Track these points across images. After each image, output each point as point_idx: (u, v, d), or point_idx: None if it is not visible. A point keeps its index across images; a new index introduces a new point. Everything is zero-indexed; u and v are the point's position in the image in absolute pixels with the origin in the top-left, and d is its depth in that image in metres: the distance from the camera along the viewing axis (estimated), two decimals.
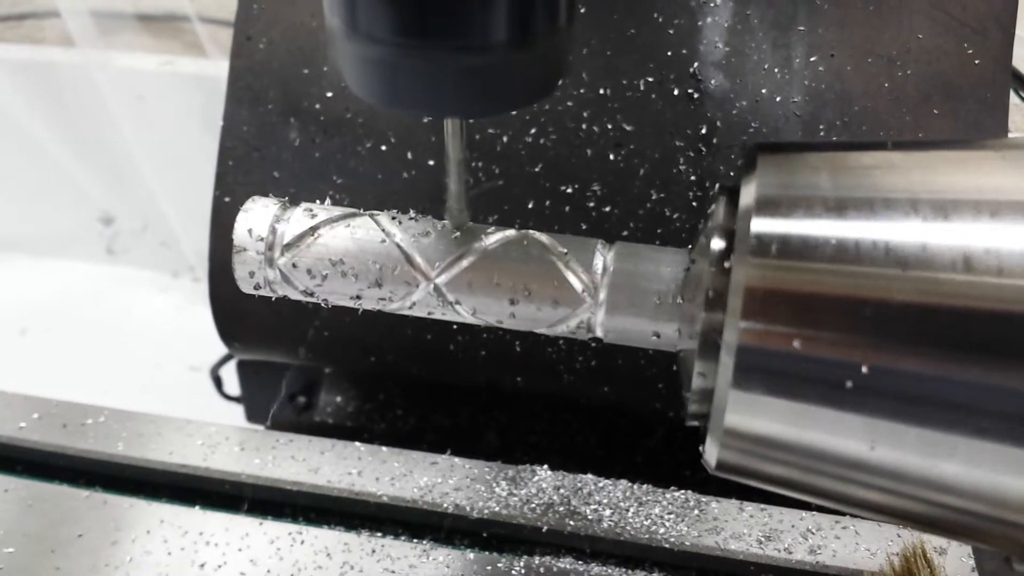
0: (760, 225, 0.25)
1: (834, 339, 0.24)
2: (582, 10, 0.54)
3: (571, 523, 0.48)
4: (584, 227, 0.54)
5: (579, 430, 0.66)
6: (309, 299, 0.36)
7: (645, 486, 0.50)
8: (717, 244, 0.28)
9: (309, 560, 0.47)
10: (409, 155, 0.55)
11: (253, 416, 0.78)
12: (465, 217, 0.34)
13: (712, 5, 0.53)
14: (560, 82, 0.30)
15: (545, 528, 0.48)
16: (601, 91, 0.54)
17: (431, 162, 0.55)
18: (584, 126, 0.54)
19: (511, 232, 0.35)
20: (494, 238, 0.34)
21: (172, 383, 1.05)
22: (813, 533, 0.47)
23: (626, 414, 0.64)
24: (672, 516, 0.48)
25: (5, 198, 1.20)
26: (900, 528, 0.47)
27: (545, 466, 0.51)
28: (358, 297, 0.35)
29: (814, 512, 0.48)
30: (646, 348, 0.34)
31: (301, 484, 0.50)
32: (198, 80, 1.05)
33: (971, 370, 0.23)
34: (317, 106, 0.56)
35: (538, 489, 0.50)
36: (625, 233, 0.54)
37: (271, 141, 0.57)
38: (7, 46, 1.13)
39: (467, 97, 0.27)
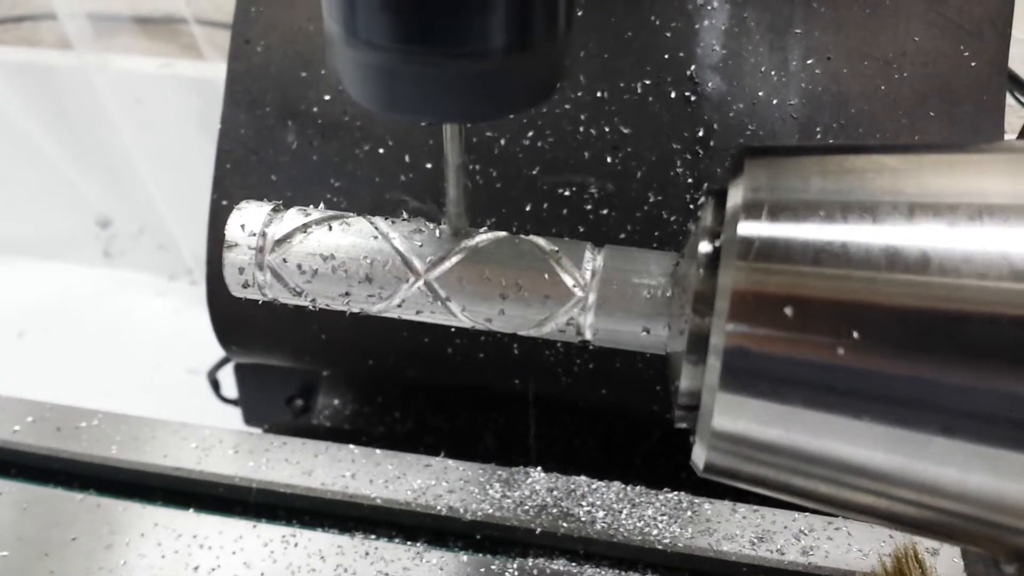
0: (747, 228, 0.26)
1: (820, 342, 0.24)
2: (579, 13, 0.54)
3: (564, 525, 0.48)
4: (582, 229, 0.54)
5: (577, 433, 0.66)
6: (297, 299, 0.36)
7: (638, 488, 0.50)
8: (704, 247, 0.28)
9: (303, 562, 0.47)
10: (407, 158, 0.55)
11: (251, 419, 0.78)
12: (464, 221, 0.34)
13: (709, 8, 0.53)
14: (559, 86, 0.30)
15: (539, 530, 0.48)
16: (598, 94, 0.54)
17: (428, 165, 0.55)
18: (581, 129, 0.54)
19: (502, 233, 0.35)
20: (485, 237, 0.35)
21: (170, 386, 1.05)
22: (806, 534, 0.48)
23: (624, 417, 0.64)
24: (665, 517, 0.49)
25: (3, 201, 1.20)
26: (892, 529, 0.47)
27: (539, 468, 0.51)
28: (347, 294, 0.35)
29: (807, 513, 0.49)
30: (640, 351, 0.34)
31: (295, 487, 0.50)
32: (195, 83, 1.05)
33: (957, 373, 0.23)
34: (315, 109, 0.57)
35: (531, 491, 0.50)
36: (623, 236, 0.54)
37: (269, 144, 0.57)
38: (4, 49, 1.13)
39: (466, 102, 0.27)
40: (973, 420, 0.24)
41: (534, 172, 0.54)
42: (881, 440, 0.25)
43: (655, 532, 0.48)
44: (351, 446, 0.52)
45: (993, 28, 0.53)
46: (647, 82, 0.54)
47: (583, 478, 0.51)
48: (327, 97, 0.56)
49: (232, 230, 0.35)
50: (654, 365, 0.56)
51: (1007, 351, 0.23)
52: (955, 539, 0.28)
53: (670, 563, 0.48)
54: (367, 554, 0.48)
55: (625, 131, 0.54)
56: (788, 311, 0.24)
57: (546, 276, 0.33)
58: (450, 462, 0.52)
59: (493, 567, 0.47)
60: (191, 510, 0.50)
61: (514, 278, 0.33)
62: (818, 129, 0.53)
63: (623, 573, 0.48)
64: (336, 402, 0.68)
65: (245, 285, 0.36)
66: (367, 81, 0.28)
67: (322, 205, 0.37)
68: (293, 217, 0.36)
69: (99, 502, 0.50)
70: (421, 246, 0.34)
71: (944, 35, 0.53)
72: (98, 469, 0.52)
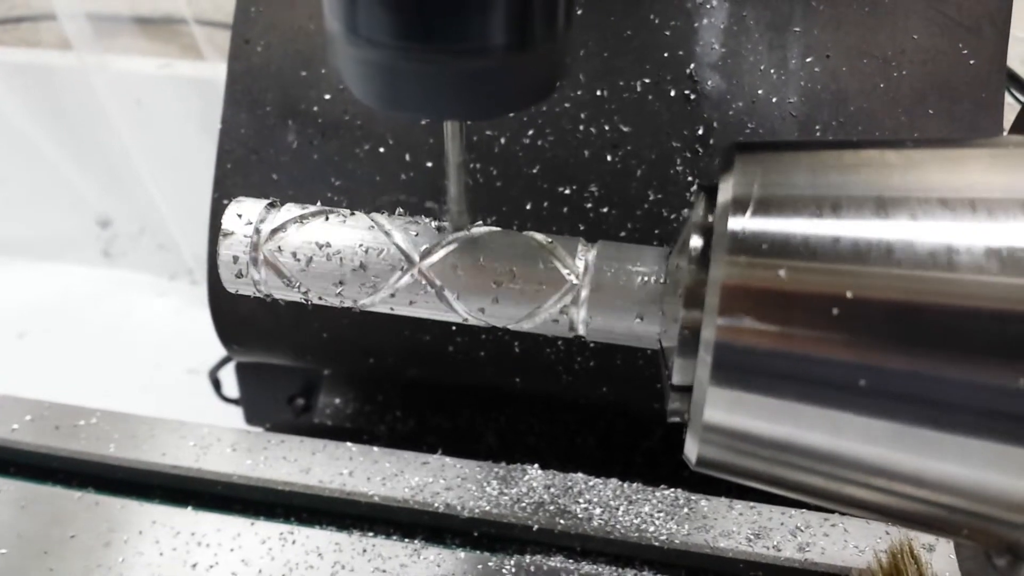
0: (737, 223, 0.26)
1: (811, 336, 0.25)
2: (579, 12, 0.54)
3: (561, 522, 0.48)
4: (582, 228, 0.54)
5: (578, 431, 0.66)
6: (290, 292, 0.36)
7: (635, 484, 0.50)
8: (695, 242, 0.28)
9: (300, 560, 0.47)
10: (407, 157, 0.55)
11: (252, 418, 0.78)
12: (465, 219, 0.35)
13: (708, 7, 0.54)
14: (559, 84, 0.30)
15: (536, 527, 0.48)
16: (598, 92, 0.54)
17: (429, 164, 0.55)
18: (581, 127, 0.54)
19: (496, 228, 0.35)
20: (481, 230, 0.35)
21: (171, 385, 1.05)
22: (802, 531, 0.48)
23: (625, 414, 0.64)
24: (662, 514, 0.49)
25: (3, 201, 1.20)
26: (884, 523, 0.47)
27: (536, 465, 0.52)
28: (340, 283, 0.35)
29: (803, 510, 0.49)
30: (636, 347, 0.35)
31: (293, 484, 0.50)
32: (195, 83, 1.05)
33: (947, 366, 0.24)
34: (315, 108, 0.57)
35: (529, 488, 0.50)
36: (623, 234, 0.54)
37: (269, 144, 0.57)
38: (3, 49, 1.13)
39: (467, 100, 0.27)
40: (962, 413, 0.24)
41: (534, 171, 0.54)
42: (871, 433, 0.25)
43: (652, 529, 0.48)
44: (348, 444, 0.52)
45: (992, 26, 0.53)
46: (647, 80, 0.54)
47: (580, 475, 0.51)
48: (327, 96, 0.56)
49: (229, 220, 0.35)
50: (655, 363, 0.56)
51: (997, 345, 0.23)
52: (946, 532, 0.28)
53: (667, 559, 0.48)
54: (365, 551, 0.48)
55: (625, 129, 0.54)
56: (778, 305, 0.25)
57: (540, 265, 0.33)
58: (447, 459, 0.52)
59: (490, 564, 0.48)
60: (189, 508, 0.50)
61: (508, 266, 0.34)
62: (817, 127, 0.53)
63: (620, 570, 0.48)
64: (337, 401, 0.68)
65: (239, 275, 0.36)
66: (368, 79, 0.28)
67: (319, 204, 0.37)
68: (290, 209, 0.36)
69: (98, 500, 0.51)
70: (417, 236, 0.35)
71: (943, 33, 0.53)
72: (97, 467, 0.52)
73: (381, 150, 0.56)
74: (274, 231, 0.35)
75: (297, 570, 0.47)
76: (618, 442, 0.65)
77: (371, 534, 0.49)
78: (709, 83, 0.53)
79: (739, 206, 0.26)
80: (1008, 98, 0.55)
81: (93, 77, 1.04)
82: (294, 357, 0.64)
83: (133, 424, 0.53)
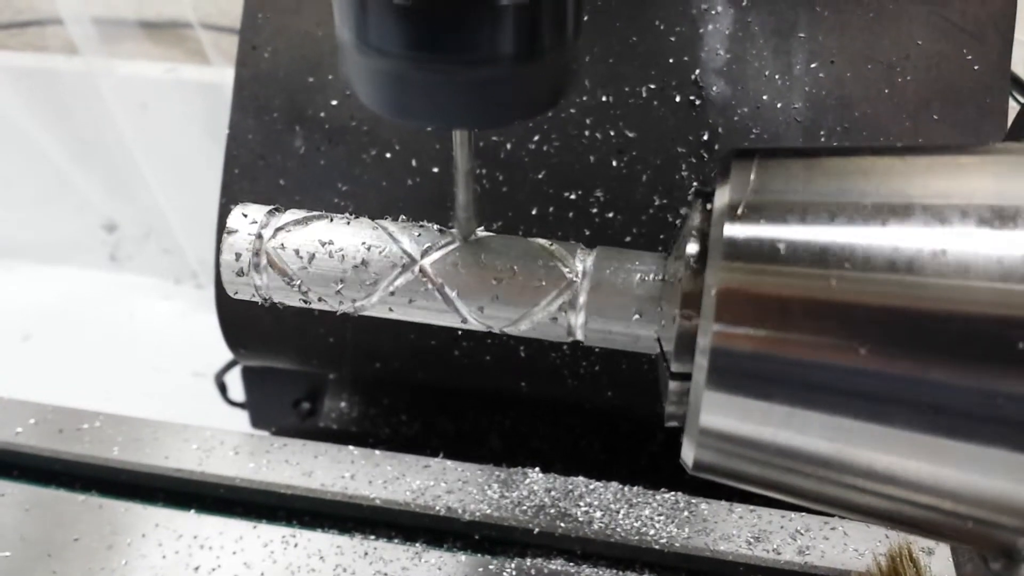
0: (732, 229, 0.26)
1: (806, 341, 0.25)
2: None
3: (562, 525, 0.48)
4: (587, 233, 0.54)
5: (583, 435, 0.66)
6: (289, 292, 0.36)
7: (635, 488, 0.51)
8: (692, 247, 0.28)
9: (302, 563, 0.47)
10: (413, 162, 0.56)
11: (258, 422, 0.78)
12: (473, 226, 0.35)
13: (713, 12, 0.54)
14: (567, 92, 0.30)
15: (536, 530, 0.48)
16: (604, 98, 0.54)
17: (435, 169, 0.55)
18: (587, 133, 0.54)
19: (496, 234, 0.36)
20: (485, 235, 0.35)
21: (176, 389, 1.05)
22: (802, 534, 0.48)
23: (630, 419, 0.65)
24: (662, 517, 0.49)
25: (9, 205, 1.20)
26: (882, 526, 0.47)
27: (536, 468, 0.52)
28: (341, 281, 0.35)
29: (803, 513, 0.49)
30: (631, 351, 0.35)
31: (295, 488, 0.50)
32: (201, 87, 1.06)
33: (941, 371, 0.24)
34: (322, 114, 0.57)
35: (529, 491, 0.50)
36: (628, 239, 0.54)
37: (276, 149, 0.58)
38: (10, 53, 1.14)
39: (477, 108, 0.28)
40: (957, 418, 0.24)
41: (540, 176, 0.55)
42: (866, 438, 0.25)
43: (652, 532, 0.48)
44: (350, 447, 0.53)
45: (996, 31, 0.53)
46: (652, 86, 0.54)
47: (581, 478, 0.51)
48: (334, 102, 0.57)
49: (235, 218, 0.36)
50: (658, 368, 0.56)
51: (992, 350, 0.23)
52: (942, 536, 0.28)
53: (667, 563, 0.48)
54: (366, 554, 0.48)
55: (630, 135, 0.54)
56: (773, 311, 0.25)
57: (540, 262, 0.34)
58: (448, 463, 0.52)
59: (491, 567, 0.48)
60: (192, 511, 0.50)
61: (509, 263, 0.34)
62: (822, 132, 0.53)
63: (620, 573, 0.48)
64: (343, 405, 0.68)
65: (240, 273, 0.35)
66: (378, 87, 0.28)
67: (325, 210, 0.37)
68: (295, 212, 0.36)
69: (101, 503, 0.51)
70: (419, 236, 0.35)
71: (947, 38, 0.53)
72: (100, 470, 0.52)
73: (388, 156, 0.56)
74: (278, 229, 0.35)
75: (299, 573, 0.47)
76: (623, 446, 0.65)
77: (373, 537, 0.50)
78: (714, 89, 0.54)
79: (735, 212, 0.26)
80: (1012, 103, 0.55)
81: (99, 81, 1.04)
82: (300, 361, 0.64)
83: (136, 427, 0.54)
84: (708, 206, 0.28)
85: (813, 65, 0.53)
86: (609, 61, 0.54)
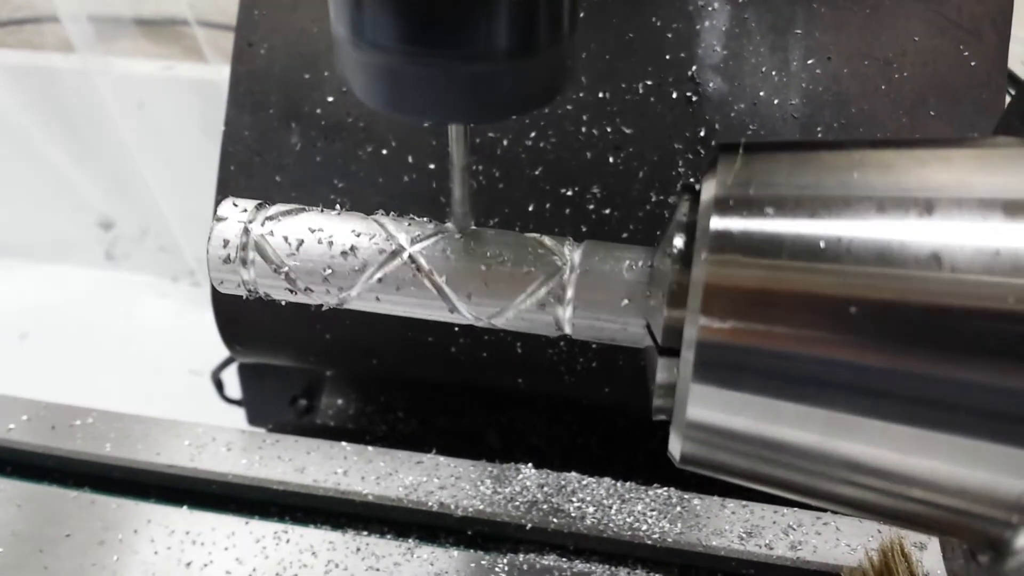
0: (719, 223, 0.26)
1: (793, 334, 0.25)
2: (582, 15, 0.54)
3: (555, 520, 0.48)
4: (584, 229, 0.54)
5: (580, 432, 0.66)
6: (275, 281, 0.35)
7: (628, 483, 0.51)
8: (678, 241, 0.28)
9: (294, 558, 0.48)
10: (410, 159, 0.56)
11: (254, 419, 0.78)
12: (469, 221, 0.35)
13: (710, 9, 0.54)
14: (564, 87, 0.30)
15: (529, 526, 0.48)
16: (600, 94, 0.54)
17: (432, 166, 0.55)
18: (584, 129, 0.54)
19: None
20: (478, 229, 0.35)
21: (173, 387, 1.05)
22: (794, 529, 0.48)
23: (627, 415, 0.65)
24: (655, 513, 0.49)
25: (5, 203, 1.20)
26: (879, 524, 0.48)
27: (529, 464, 0.52)
28: (329, 268, 0.34)
29: (795, 509, 0.49)
30: (619, 344, 0.35)
31: (287, 484, 0.50)
32: (198, 85, 1.06)
33: (929, 364, 0.24)
34: (318, 111, 0.57)
35: (522, 487, 0.50)
36: (625, 235, 0.54)
37: (273, 146, 0.58)
38: (7, 51, 1.14)
39: (473, 103, 0.28)
40: (943, 411, 0.24)
41: (536, 172, 0.55)
42: (853, 430, 0.25)
43: (644, 527, 0.48)
44: (343, 443, 0.53)
45: (993, 27, 0.53)
46: (649, 83, 0.54)
47: (573, 474, 0.51)
48: (330, 99, 0.57)
49: (225, 207, 0.36)
50: None
51: (980, 343, 0.23)
52: (929, 529, 0.28)
53: (659, 558, 0.48)
54: (358, 550, 0.48)
55: (627, 131, 0.54)
56: (760, 304, 0.25)
57: (529, 249, 0.34)
58: (441, 459, 0.52)
59: (484, 562, 0.48)
60: (184, 507, 0.51)
61: (498, 249, 0.34)
62: (819, 129, 0.53)
63: (613, 568, 0.48)
64: (340, 402, 0.68)
65: (227, 260, 0.35)
66: (374, 82, 0.28)
67: (322, 205, 0.37)
68: (287, 204, 0.36)
69: (93, 499, 0.51)
70: (409, 225, 0.35)
71: (944, 35, 0.53)
72: (92, 467, 0.52)
73: (384, 152, 0.56)
74: (268, 219, 0.35)
75: (291, 569, 0.47)
76: (620, 442, 0.65)
77: (365, 533, 0.50)
78: (711, 85, 0.54)
79: (721, 205, 0.26)
80: (1008, 99, 0.55)
81: (96, 79, 1.04)
82: (297, 358, 0.64)
83: (129, 423, 0.54)
84: (695, 199, 0.29)
85: (810, 61, 0.53)
86: (606, 57, 0.54)
